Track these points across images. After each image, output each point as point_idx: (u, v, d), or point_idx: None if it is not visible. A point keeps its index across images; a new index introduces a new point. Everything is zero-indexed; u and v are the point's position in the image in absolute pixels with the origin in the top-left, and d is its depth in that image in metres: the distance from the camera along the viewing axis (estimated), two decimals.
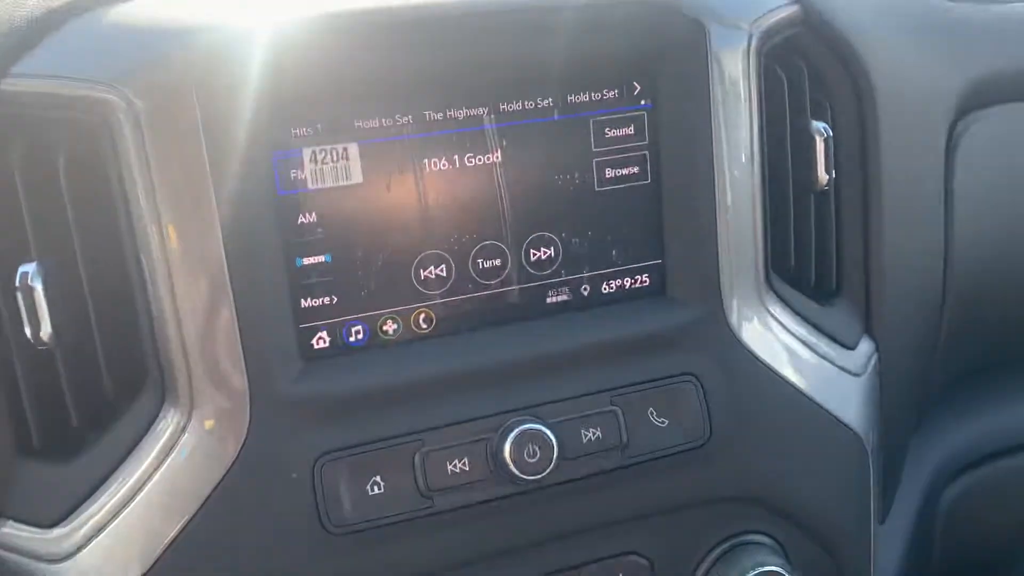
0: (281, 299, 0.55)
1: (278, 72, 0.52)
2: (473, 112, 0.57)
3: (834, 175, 0.66)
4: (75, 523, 0.54)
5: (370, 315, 0.58)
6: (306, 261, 0.56)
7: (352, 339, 0.58)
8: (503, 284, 0.60)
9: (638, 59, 0.59)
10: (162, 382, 0.54)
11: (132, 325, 0.54)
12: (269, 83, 0.52)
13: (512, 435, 0.56)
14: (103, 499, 0.54)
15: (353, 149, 0.55)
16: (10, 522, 0.55)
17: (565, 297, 0.61)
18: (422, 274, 0.58)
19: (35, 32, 0.51)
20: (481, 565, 0.59)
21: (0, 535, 0.55)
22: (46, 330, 0.52)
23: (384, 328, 0.58)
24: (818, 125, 0.66)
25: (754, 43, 0.61)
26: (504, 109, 0.58)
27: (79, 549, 0.54)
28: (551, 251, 0.60)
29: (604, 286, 0.62)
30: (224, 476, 0.54)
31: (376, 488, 0.55)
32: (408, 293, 0.58)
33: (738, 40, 0.61)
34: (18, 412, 0.55)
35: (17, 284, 0.52)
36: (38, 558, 0.54)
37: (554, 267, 0.60)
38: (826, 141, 0.65)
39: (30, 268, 0.52)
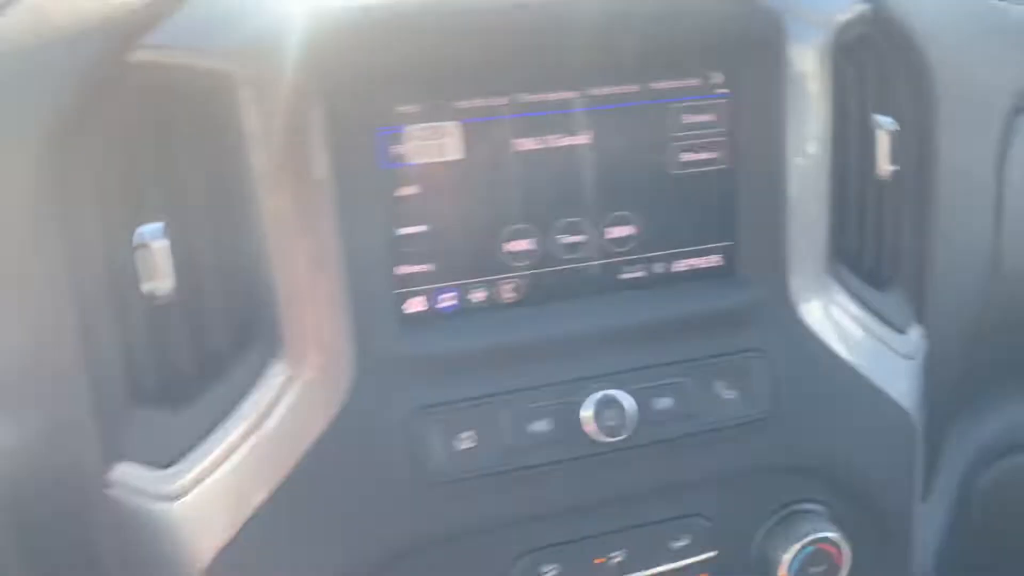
0: (381, 265, 0.59)
1: (387, 53, 0.56)
2: (564, 95, 0.61)
3: (896, 168, 0.70)
4: (185, 465, 0.58)
5: (461, 283, 0.62)
6: (404, 231, 0.60)
7: (443, 305, 0.62)
8: (584, 259, 0.64)
9: (719, 50, 0.63)
10: (271, 338, 0.58)
11: (245, 284, 0.58)
12: (378, 63, 0.56)
13: (592, 400, 0.61)
14: (212, 444, 0.58)
15: (452, 127, 0.59)
16: (126, 463, 0.59)
17: (641, 273, 0.65)
18: (509, 246, 0.62)
19: (165, 6, 0.55)
20: (558, 519, 0.63)
21: (117, 475, 0.59)
22: (166, 286, 0.57)
23: (473, 296, 0.62)
24: (883, 119, 0.69)
25: (828, 39, 0.64)
26: (592, 93, 0.61)
27: (189, 490, 0.58)
28: (630, 229, 0.64)
29: (677, 264, 0.65)
30: (327, 428, 0.58)
31: (466, 443, 0.59)
32: (496, 264, 0.62)
33: (814, 35, 0.64)
34: (133, 362, 0.59)
35: (142, 243, 0.56)
36: (152, 496, 0.59)
37: (632, 244, 0.64)
38: (890, 135, 0.69)
39: (152, 228, 0.56)
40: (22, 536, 0.62)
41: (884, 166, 0.69)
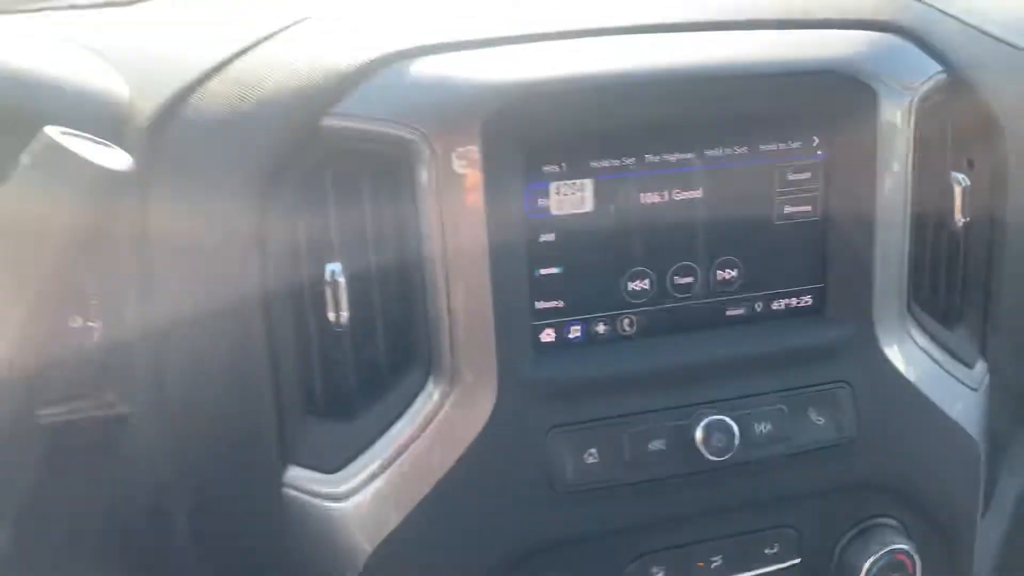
0: (523, 301, 0.68)
1: (539, 123, 0.65)
2: (683, 156, 0.70)
3: (967, 219, 0.78)
4: (351, 471, 0.68)
5: (586, 317, 0.71)
6: (542, 271, 0.69)
7: (571, 336, 0.71)
8: (693, 298, 0.73)
9: (819, 117, 0.72)
10: (429, 362, 0.68)
11: (409, 315, 0.68)
12: (532, 132, 0.65)
13: (703, 423, 0.69)
14: (375, 453, 0.68)
15: (587, 184, 0.68)
16: (298, 468, 0.69)
17: (742, 311, 0.74)
18: (630, 286, 0.71)
19: (352, 79, 0.64)
20: (668, 525, 0.72)
21: (290, 477, 0.69)
22: (344, 315, 0.66)
23: (596, 329, 0.71)
24: (957, 175, 0.77)
25: (914, 105, 0.73)
26: (708, 154, 0.70)
27: (355, 492, 0.68)
28: (734, 272, 0.73)
29: (774, 304, 0.74)
30: (474, 440, 0.67)
31: (592, 458, 0.68)
32: (618, 301, 0.71)
33: (901, 102, 0.72)
34: (308, 380, 0.69)
35: (327, 279, 0.65)
36: (321, 497, 0.68)
37: (735, 286, 0.73)
38: (963, 190, 0.77)
39: (336, 266, 0.66)
40: (203, 530, 0.72)
41: (958, 217, 0.77)
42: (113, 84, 0.70)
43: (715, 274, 0.73)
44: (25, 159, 0.49)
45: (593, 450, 0.68)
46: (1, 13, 0.89)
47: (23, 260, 0.49)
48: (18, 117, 0.64)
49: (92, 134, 0.65)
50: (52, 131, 0.50)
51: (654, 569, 0.72)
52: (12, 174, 0.49)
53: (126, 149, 0.66)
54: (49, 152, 0.49)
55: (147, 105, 0.68)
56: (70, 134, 0.51)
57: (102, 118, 0.67)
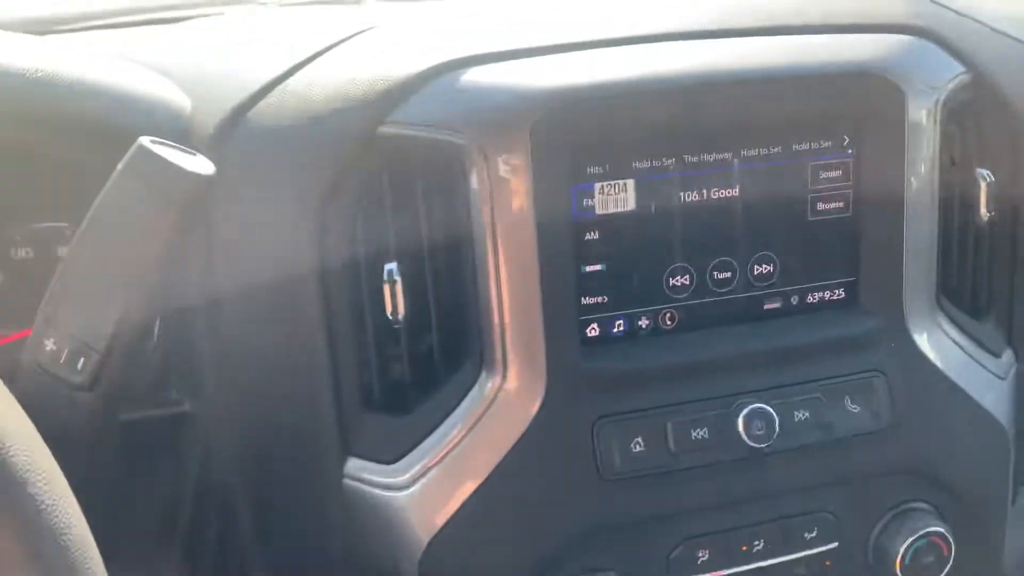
0: (571, 297, 0.71)
1: (582, 126, 0.68)
2: (720, 156, 0.73)
3: (992, 214, 0.81)
4: (408, 462, 0.71)
5: (629, 312, 0.74)
6: (588, 269, 0.72)
7: (615, 330, 0.74)
8: (732, 292, 0.76)
9: (849, 117, 0.75)
10: (480, 357, 0.71)
11: (462, 312, 0.71)
12: (575, 134, 0.69)
13: (744, 412, 0.72)
14: (430, 445, 0.71)
15: (630, 184, 0.71)
16: (357, 459, 0.72)
17: (778, 304, 0.77)
18: (671, 281, 0.74)
19: (407, 89, 0.68)
20: (711, 511, 0.75)
21: (350, 468, 0.72)
22: (401, 313, 0.69)
23: (639, 323, 0.74)
24: (982, 172, 0.80)
25: (940, 105, 0.76)
26: (744, 154, 0.73)
27: (412, 483, 0.71)
28: (770, 267, 0.76)
29: (809, 297, 0.77)
30: (525, 432, 0.70)
31: (638, 447, 0.71)
32: (659, 296, 0.74)
33: (928, 102, 0.75)
34: (365, 375, 0.72)
35: (384, 279, 0.69)
36: (380, 487, 0.71)
37: (772, 280, 0.76)
38: (988, 185, 0.80)
39: (393, 266, 0.69)
40: (266, 522, 0.75)
41: (983, 212, 0.80)
42: (176, 97, 0.74)
43: (752, 269, 0.76)
44: (122, 167, 0.52)
45: (639, 439, 0.71)
46: (47, 32, 0.93)
47: (119, 261, 0.52)
48: (97, 127, 0.68)
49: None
50: (146, 141, 0.53)
51: (699, 553, 0.75)
52: (110, 181, 0.52)
53: None
54: (145, 160, 0.52)
55: (209, 116, 0.72)
56: (160, 143, 0.55)
57: (170, 130, 0.70)
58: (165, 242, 0.54)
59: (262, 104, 0.71)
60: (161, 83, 0.75)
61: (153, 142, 0.54)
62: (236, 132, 0.70)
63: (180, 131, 0.72)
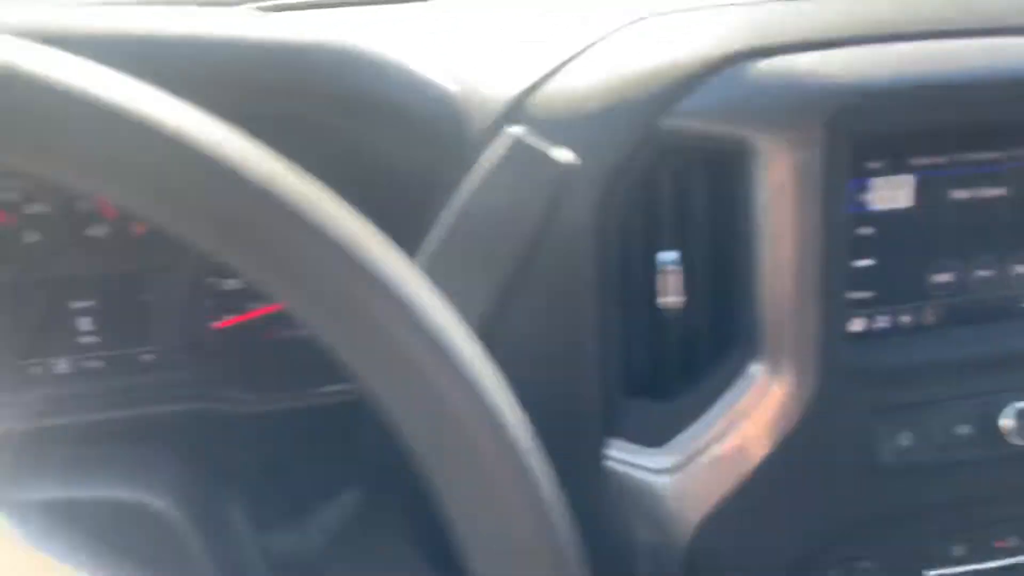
0: (841, 291, 0.72)
1: (870, 121, 0.69)
2: (992, 155, 0.73)
3: None
4: (673, 447, 0.73)
5: (893, 307, 0.74)
6: (858, 263, 0.73)
7: (879, 325, 0.74)
8: (993, 290, 0.75)
9: None
10: (749, 348, 0.71)
11: (732, 303, 0.72)
12: (861, 130, 0.69)
13: (1011, 409, 0.73)
14: (697, 431, 0.72)
15: (907, 180, 0.72)
16: (622, 441, 0.74)
17: None
18: (935, 278, 0.74)
19: (694, 79, 0.69)
20: (967, 505, 0.76)
21: (612, 450, 0.74)
22: (677, 302, 0.71)
23: (902, 319, 0.75)
24: None
25: None
26: (1014, 154, 0.73)
27: (678, 468, 0.72)
28: None
29: None
30: (797, 423, 0.71)
31: (906, 440, 0.72)
32: (922, 292, 0.74)
33: None
34: (636, 361, 0.74)
35: (659, 268, 0.70)
36: (644, 470, 0.73)
37: None
38: None
39: (668, 256, 0.70)
40: None
41: None
42: (443, 79, 0.76)
43: (1014, 268, 0.75)
44: (492, 156, 0.54)
45: (909, 433, 0.72)
46: (282, 10, 0.95)
47: (495, 253, 0.54)
48: (367, 101, 0.70)
49: (428, 126, 0.70)
50: (517, 131, 0.55)
51: (955, 547, 0.76)
52: (479, 172, 0.53)
53: (459, 146, 0.71)
54: (518, 150, 0.54)
55: (479, 105, 0.73)
56: (527, 133, 0.56)
57: (441, 112, 0.72)
58: (537, 232, 0.55)
59: (540, 93, 0.72)
60: (428, 62, 0.76)
61: (524, 131, 0.55)
62: (513, 123, 0.72)
63: (451, 116, 0.73)
